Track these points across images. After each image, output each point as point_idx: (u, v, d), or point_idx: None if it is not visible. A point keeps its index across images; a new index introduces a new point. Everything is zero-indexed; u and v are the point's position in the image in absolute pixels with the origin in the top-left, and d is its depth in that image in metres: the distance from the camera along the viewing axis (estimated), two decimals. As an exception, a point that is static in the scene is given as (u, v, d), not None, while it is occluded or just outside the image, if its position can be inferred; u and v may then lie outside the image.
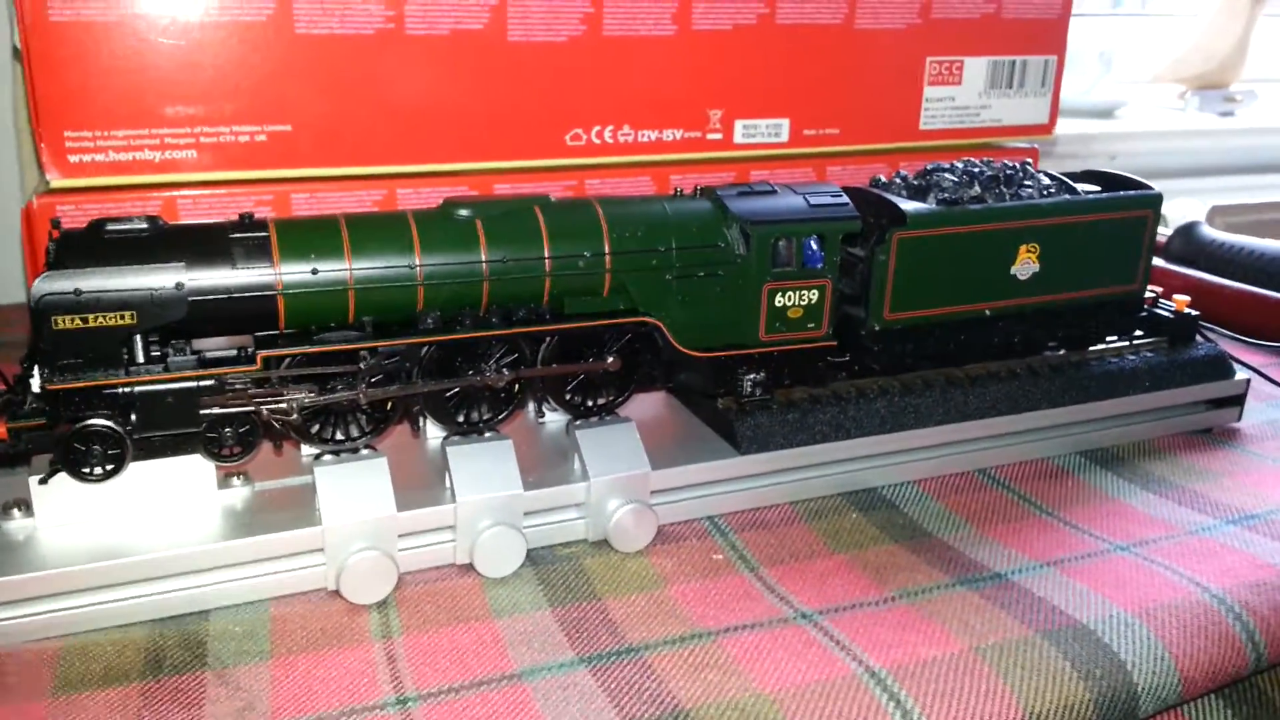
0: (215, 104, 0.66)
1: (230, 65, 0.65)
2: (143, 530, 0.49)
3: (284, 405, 0.49)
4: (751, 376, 0.59)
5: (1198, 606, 0.48)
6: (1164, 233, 0.99)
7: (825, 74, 0.82)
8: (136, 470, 0.50)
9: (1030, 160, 0.68)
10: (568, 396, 0.57)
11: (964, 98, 0.87)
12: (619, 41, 0.74)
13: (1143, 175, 1.62)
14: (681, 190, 0.60)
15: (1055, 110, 0.90)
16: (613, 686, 0.43)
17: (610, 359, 0.55)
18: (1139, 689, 0.44)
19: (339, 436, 0.52)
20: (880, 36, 0.82)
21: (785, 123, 0.82)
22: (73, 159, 0.64)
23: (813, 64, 0.81)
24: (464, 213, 0.53)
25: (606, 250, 0.55)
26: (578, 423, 0.57)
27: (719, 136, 0.81)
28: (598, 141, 0.77)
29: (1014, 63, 0.87)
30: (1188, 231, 0.96)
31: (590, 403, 0.57)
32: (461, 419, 0.54)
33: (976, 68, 0.86)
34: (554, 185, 0.76)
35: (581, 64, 0.74)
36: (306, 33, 0.66)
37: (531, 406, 0.60)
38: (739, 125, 0.81)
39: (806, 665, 0.44)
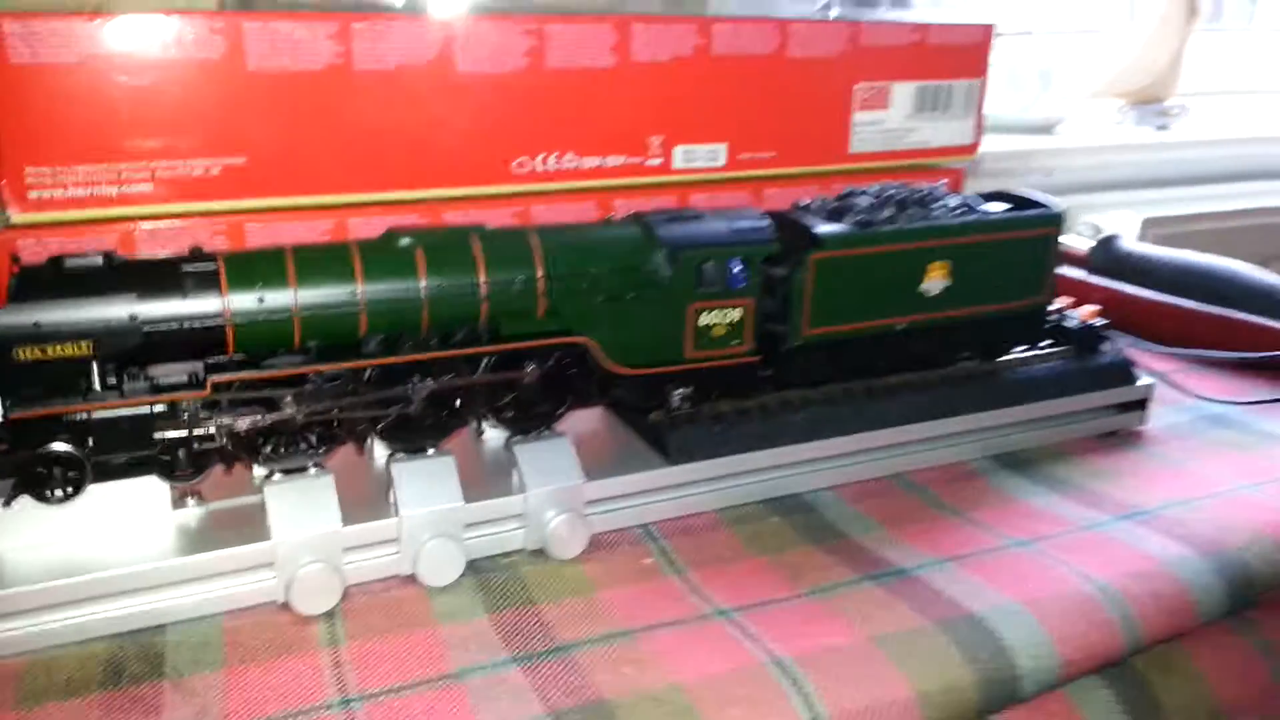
0: (171, 139, 0.69)
1: (185, 102, 0.68)
2: (102, 549, 0.52)
3: (211, 432, 0.52)
4: (680, 391, 0.63)
5: (1080, 595, 0.52)
6: (1087, 245, 1.04)
7: (759, 101, 0.86)
8: (95, 492, 0.53)
9: (945, 182, 0.72)
10: (506, 414, 0.60)
11: (892, 121, 0.91)
12: (561, 73, 0.78)
13: (1080, 189, 1.68)
14: (613, 217, 0.64)
15: (980, 131, 0.95)
16: (540, 683, 0.47)
17: (529, 368, 0.58)
18: (1021, 671, 0.48)
19: (288, 455, 0.56)
20: (811, 65, 0.86)
21: (722, 147, 0.86)
22: (33, 195, 0.66)
23: (747, 92, 0.85)
24: (405, 241, 0.57)
25: (540, 275, 0.58)
26: (516, 438, 0.60)
27: (659, 162, 0.84)
28: (542, 168, 0.80)
29: (939, 87, 0.92)
30: (1107, 244, 1.01)
31: (528, 419, 0.61)
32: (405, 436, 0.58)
33: (903, 92, 0.91)
34: (501, 211, 0.80)
35: (526, 95, 0.78)
36: (259, 69, 0.69)
37: (473, 424, 0.63)
38: (678, 151, 0.85)
39: (719, 656, 0.48)
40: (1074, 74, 1.75)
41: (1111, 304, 0.94)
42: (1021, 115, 1.64)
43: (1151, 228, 1.47)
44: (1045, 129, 1.66)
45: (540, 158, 0.80)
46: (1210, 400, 0.79)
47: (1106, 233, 1.04)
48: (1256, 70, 2.18)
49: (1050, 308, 0.73)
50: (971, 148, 0.95)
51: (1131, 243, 1.00)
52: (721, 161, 0.86)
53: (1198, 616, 0.55)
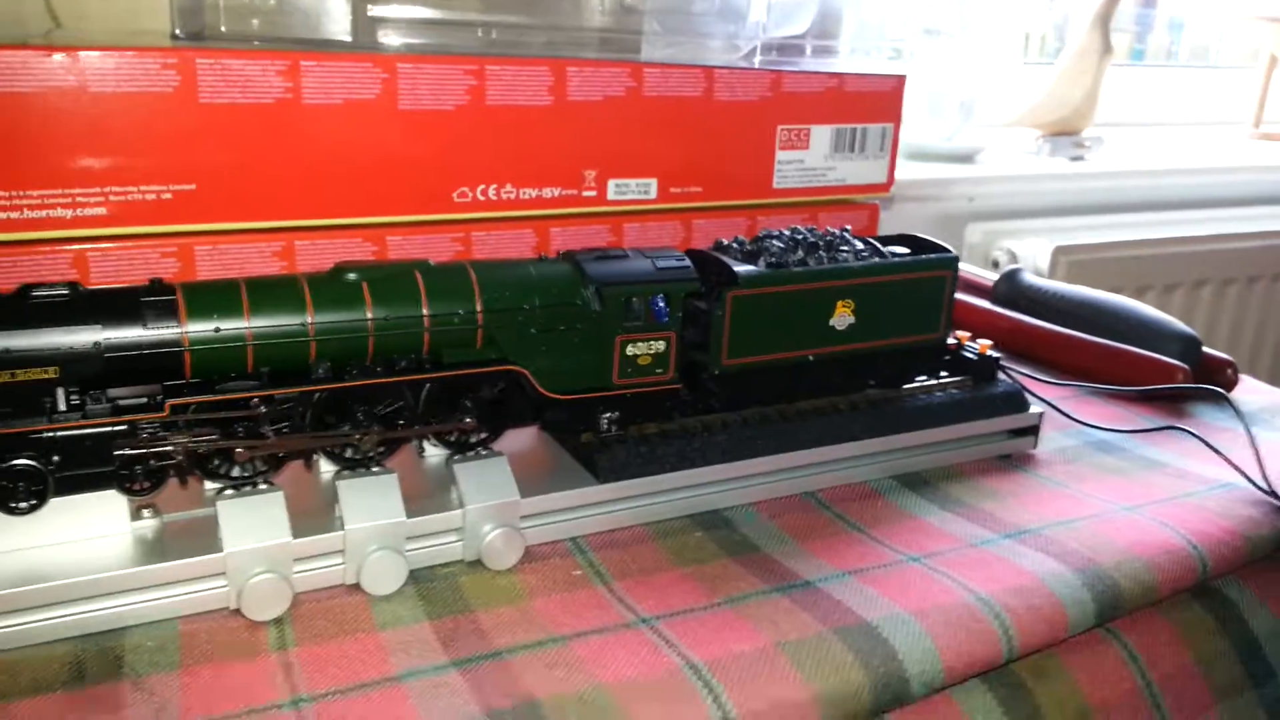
0: (125, 166, 0.72)
1: (139, 131, 0.72)
2: (64, 558, 0.55)
3: (168, 450, 0.56)
4: (608, 415, 0.68)
5: (964, 607, 0.58)
6: (993, 277, 1.11)
7: (688, 139, 0.91)
8: (58, 505, 0.56)
9: (849, 228, 0.79)
10: (448, 437, 0.65)
11: (811, 160, 0.98)
12: (501, 110, 0.83)
13: (999, 216, 1.76)
14: (546, 255, 0.69)
15: (893, 170, 1.02)
16: (477, 683, 0.51)
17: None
18: (909, 675, 0.54)
19: (240, 473, 0.59)
20: (736, 107, 0.92)
21: (653, 182, 0.92)
22: (-10, 216, 0.69)
23: (677, 131, 0.91)
24: (352, 276, 0.61)
25: (478, 309, 0.63)
26: (456, 457, 0.65)
27: (594, 194, 0.89)
28: (483, 198, 0.85)
29: (855, 130, 0.99)
30: (1011, 278, 1.08)
31: (468, 440, 0.65)
32: (350, 456, 0.62)
33: (822, 134, 0.97)
34: (443, 238, 0.84)
35: (467, 130, 0.82)
36: (210, 102, 0.73)
37: (415, 444, 0.68)
38: (611, 184, 0.90)
39: (640, 661, 0.53)
40: (994, 105, 1.84)
41: (1014, 334, 1.01)
42: (944, 144, 1.72)
43: (1062, 255, 1.56)
44: (967, 158, 1.75)
45: (480, 188, 0.85)
46: (1098, 427, 0.86)
47: (1009, 266, 1.11)
48: (1175, 104, 2.31)
49: (949, 341, 0.80)
50: (886, 185, 1.02)
51: (1031, 276, 1.07)
52: (653, 194, 0.92)
53: (1070, 628, 0.61)
